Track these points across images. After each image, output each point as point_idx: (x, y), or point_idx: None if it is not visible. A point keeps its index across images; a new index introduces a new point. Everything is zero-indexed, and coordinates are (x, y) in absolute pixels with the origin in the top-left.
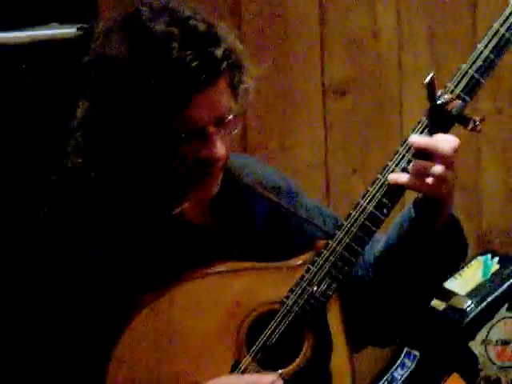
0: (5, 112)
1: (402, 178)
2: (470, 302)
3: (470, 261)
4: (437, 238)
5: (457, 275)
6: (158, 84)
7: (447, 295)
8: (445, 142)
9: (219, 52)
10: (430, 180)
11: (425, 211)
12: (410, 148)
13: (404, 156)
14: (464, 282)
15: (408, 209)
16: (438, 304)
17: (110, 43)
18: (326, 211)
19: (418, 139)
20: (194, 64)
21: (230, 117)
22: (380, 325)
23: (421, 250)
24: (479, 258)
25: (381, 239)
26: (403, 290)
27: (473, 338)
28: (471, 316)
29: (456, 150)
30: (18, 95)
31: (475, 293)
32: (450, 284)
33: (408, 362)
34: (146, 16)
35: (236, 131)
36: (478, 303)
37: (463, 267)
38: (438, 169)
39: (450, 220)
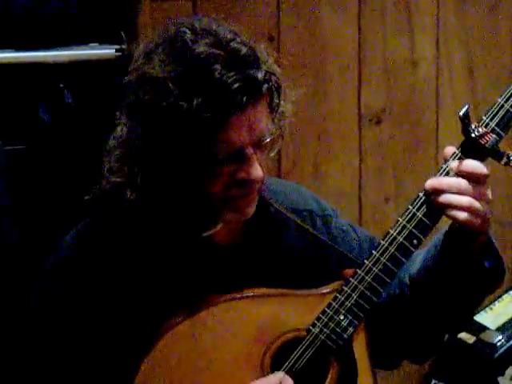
0: (44, 130)
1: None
2: (500, 336)
3: (501, 295)
4: (473, 261)
5: (487, 309)
6: (200, 104)
7: (477, 329)
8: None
9: (260, 74)
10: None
11: (458, 237)
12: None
13: None
14: (495, 316)
15: (442, 233)
16: (467, 337)
17: (152, 64)
18: (361, 232)
19: (435, 181)
20: (236, 85)
21: (268, 139)
22: (417, 340)
23: (456, 273)
24: (511, 292)
25: (416, 259)
26: (441, 309)
27: (502, 373)
28: (501, 351)
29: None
30: (56, 114)
31: (506, 327)
32: (481, 318)
33: None
34: (188, 37)
35: (273, 154)
36: (509, 338)
37: (494, 301)
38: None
39: (487, 244)
